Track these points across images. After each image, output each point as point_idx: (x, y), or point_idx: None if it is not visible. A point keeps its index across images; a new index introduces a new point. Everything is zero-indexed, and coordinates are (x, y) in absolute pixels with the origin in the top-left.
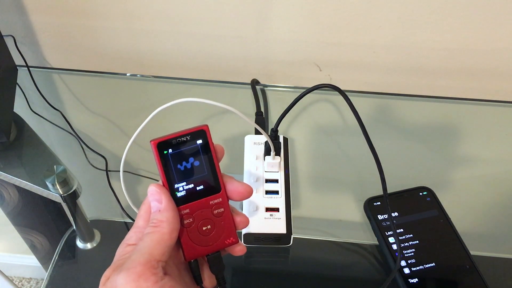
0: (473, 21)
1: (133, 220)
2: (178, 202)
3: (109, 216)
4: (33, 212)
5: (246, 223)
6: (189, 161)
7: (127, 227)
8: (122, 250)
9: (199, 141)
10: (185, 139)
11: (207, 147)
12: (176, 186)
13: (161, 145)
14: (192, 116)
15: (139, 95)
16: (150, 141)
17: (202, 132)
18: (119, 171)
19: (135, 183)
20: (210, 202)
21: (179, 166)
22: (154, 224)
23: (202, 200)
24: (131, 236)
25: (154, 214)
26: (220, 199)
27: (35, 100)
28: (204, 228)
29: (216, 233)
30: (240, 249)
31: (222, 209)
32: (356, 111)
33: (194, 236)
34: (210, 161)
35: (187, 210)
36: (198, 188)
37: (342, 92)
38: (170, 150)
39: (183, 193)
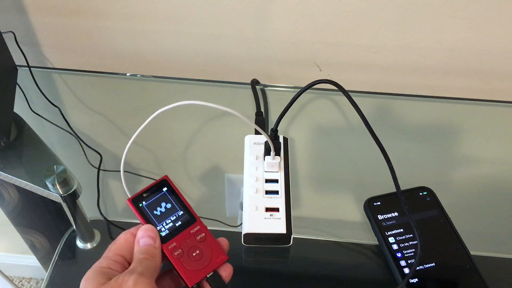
0: (473, 21)
1: (119, 229)
2: (164, 240)
3: (109, 216)
4: (33, 212)
5: (227, 244)
6: (162, 206)
7: (122, 229)
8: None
9: (165, 188)
10: (152, 190)
11: (172, 191)
12: (158, 228)
13: (135, 200)
14: (192, 116)
15: (139, 95)
16: (126, 201)
17: (164, 181)
18: (116, 170)
19: (135, 183)
20: (191, 232)
21: (155, 212)
22: (150, 255)
23: (183, 232)
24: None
25: (148, 247)
26: (199, 227)
27: (35, 100)
28: (194, 254)
29: (206, 255)
30: (228, 273)
31: (203, 234)
32: (357, 105)
33: (188, 263)
34: (178, 200)
35: (174, 244)
36: (177, 224)
37: (340, 87)
38: (144, 202)
39: (166, 232)
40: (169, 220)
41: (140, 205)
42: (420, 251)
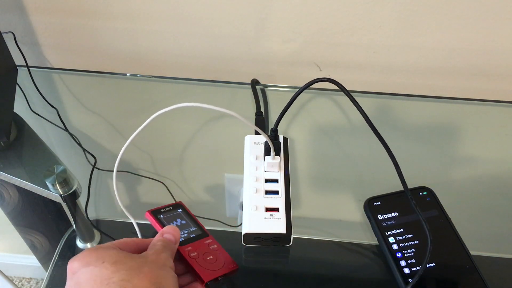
0: (473, 21)
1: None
2: (181, 243)
3: (109, 216)
4: (33, 212)
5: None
6: (177, 221)
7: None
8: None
9: (179, 210)
10: (169, 208)
11: (186, 212)
12: None
13: (154, 212)
14: (192, 116)
15: (139, 95)
16: (146, 212)
17: (179, 205)
18: (110, 170)
19: (135, 184)
20: (205, 242)
21: (171, 224)
22: (169, 248)
23: (198, 241)
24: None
25: (169, 241)
26: (211, 240)
27: (35, 100)
28: (208, 258)
29: (220, 260)
30: None
31: (216, 245)
32: (357, 102)
33: (203, 263)
34: (192, 219)
35: (190, 248)
36: (191, 236)
37: (339, 85)
38: (161, 216)
39: (182, 238)
40: (185, 232)
41: (159, 216)
42: (431, 246)
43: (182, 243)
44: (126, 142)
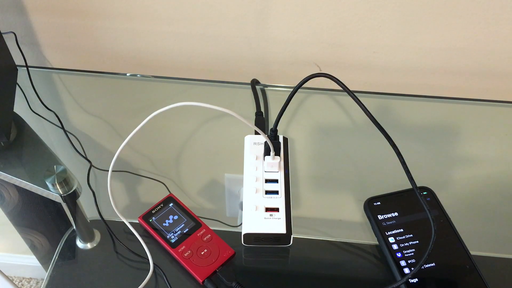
0: (473, 21)
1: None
2: (174, 245)
3: (109, 216)
4: (33, 212)
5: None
6: (170, 218)
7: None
8: None
9: (171, 204)
10: (160, 207)
11: (178, 204)
12: (168, 236)
13: (145, 217)
14: (192, 116)
15: (139, 95)
16: (138, 218)
17: (170, 198)
18: (104, 170)
19: (135, 184)
20: (198, 235)
21: (164, 224)
22: None
23: (191, 236)
24: None
25: None
26: (204, 230)
27: (35, 100)
28: (202, 253)
29: (214, 252)
30: None
31: (210, 235)
32: (356, 96)
33: (198, 261)
34: (184, 211)
35: (183, 247)
36: (184, 231)
37: (336, 80)
38: (153, 218)
39: (175, 238)
40: (177, 229)
41: (150, 220)
42: (434, 239)
43: (174, 244)
44: (122, 143)
